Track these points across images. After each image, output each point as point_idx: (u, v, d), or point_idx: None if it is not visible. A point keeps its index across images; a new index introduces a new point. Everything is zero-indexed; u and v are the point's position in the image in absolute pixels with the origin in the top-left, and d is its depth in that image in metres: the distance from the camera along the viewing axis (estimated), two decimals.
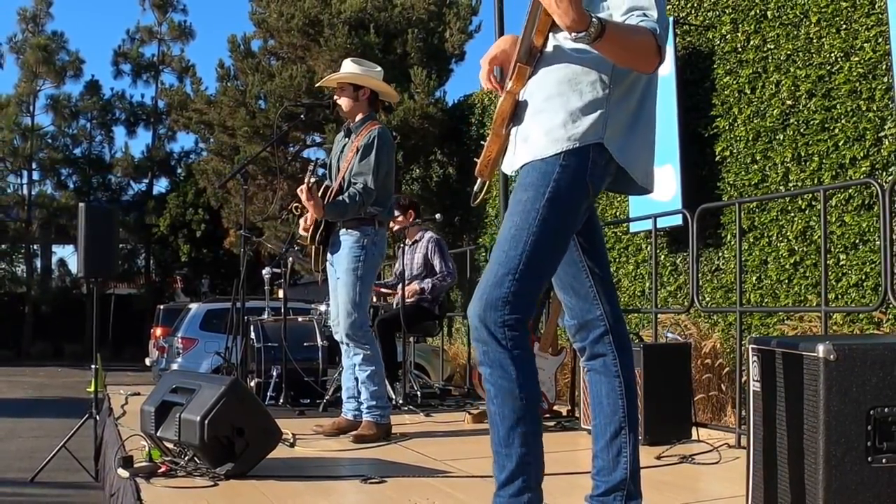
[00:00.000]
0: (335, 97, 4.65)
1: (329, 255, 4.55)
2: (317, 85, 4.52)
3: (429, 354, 8.98)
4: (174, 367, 10.50)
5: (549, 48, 2.25)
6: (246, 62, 14.92)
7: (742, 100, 6.79)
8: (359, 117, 4.57)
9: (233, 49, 15.18)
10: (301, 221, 4.61)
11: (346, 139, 4.62)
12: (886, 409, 2.18)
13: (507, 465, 2.15)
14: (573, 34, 1.99)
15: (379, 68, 4.73)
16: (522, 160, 2.24)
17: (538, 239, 2.15)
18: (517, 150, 2.28)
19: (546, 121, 2.21)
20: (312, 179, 4.35)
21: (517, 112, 2.28)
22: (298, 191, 4.34)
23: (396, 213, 6.35)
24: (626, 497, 2.31)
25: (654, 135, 2.34)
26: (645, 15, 2.10)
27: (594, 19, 1.98)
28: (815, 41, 6.13)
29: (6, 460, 6.59)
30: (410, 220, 6.40)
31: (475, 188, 2.47)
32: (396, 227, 6.37)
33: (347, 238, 4.43)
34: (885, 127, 5.55)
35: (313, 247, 4.56)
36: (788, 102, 6.33)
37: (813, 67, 6.11)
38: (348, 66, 4.63)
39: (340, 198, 4.39)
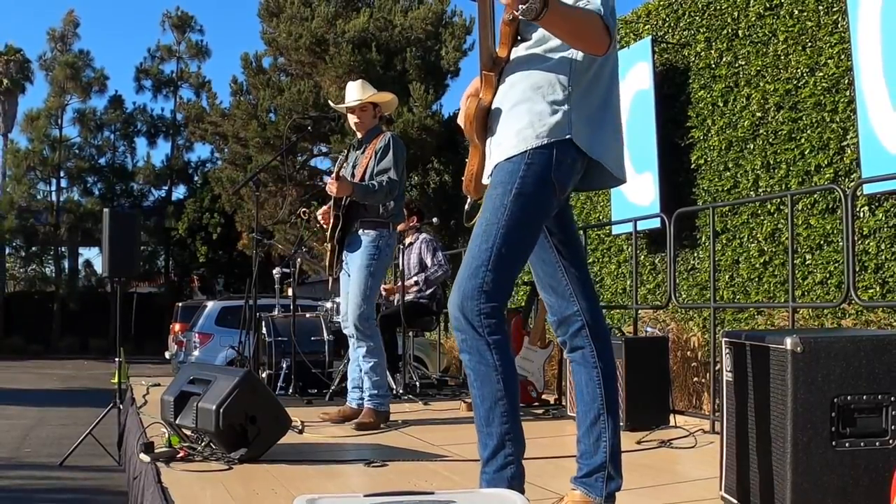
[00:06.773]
0: (352, 113, 4.61)
1: (345, 254, 4.53)
2: (344, 105, 4.49)
3: (427, 347, 8.98)
4: (191, 359, 10.49)
5: (513, 60, 2.27)
6: (258, 78, 14.93)
7: (715, 112, 6.79)
8: (369, 130, 4.59)
9: (245, 66, 15.20)
10: (320, 211, 4.60)
11: (357, 151, 4.62)
12: (849, 398, 2.18)
13: (489, 442, 2.15)
14: (520, 8, 1.98)
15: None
16: (494, 162, 2.26)
17: (507, 232, 2.15)
18: (492, 155, 2.29)
19: (515, 124, 2.22)
20: (343, 171, 4.40)
21: (489, 123, 2.29)
22: (328, 182, 4.34)
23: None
24: (607, 478, 2.31)
25: (620, 129, 2.33)
26: (588, 1, 2.13)
27: None
28: (782, 58, 6.13)
29: (36, 446, 6.59)
30: (410, 224, 6.39)
31: (466, 208, 2.46)
32: (398, 229, 6.37)
33: (365, 238, 4.43)
34: (848, 137, 5.56)
35: (329, 245, 4.55)
36: (758, 114, 6.33)
37: (781, 82, 6.12)
38: (368, 88, 4.64)
39: (367, 182, 4.40)
